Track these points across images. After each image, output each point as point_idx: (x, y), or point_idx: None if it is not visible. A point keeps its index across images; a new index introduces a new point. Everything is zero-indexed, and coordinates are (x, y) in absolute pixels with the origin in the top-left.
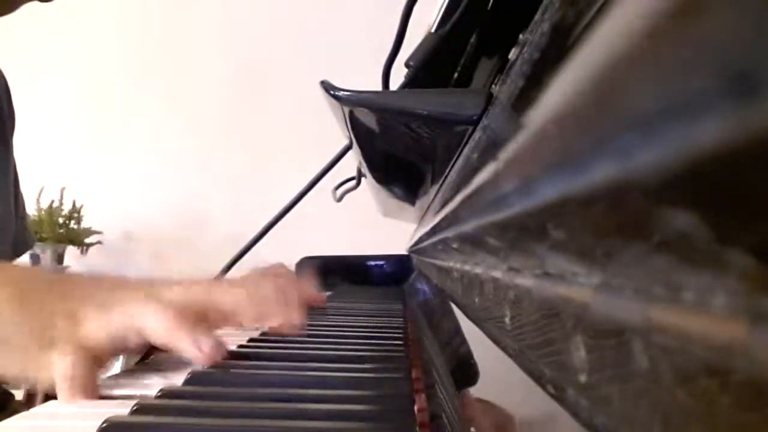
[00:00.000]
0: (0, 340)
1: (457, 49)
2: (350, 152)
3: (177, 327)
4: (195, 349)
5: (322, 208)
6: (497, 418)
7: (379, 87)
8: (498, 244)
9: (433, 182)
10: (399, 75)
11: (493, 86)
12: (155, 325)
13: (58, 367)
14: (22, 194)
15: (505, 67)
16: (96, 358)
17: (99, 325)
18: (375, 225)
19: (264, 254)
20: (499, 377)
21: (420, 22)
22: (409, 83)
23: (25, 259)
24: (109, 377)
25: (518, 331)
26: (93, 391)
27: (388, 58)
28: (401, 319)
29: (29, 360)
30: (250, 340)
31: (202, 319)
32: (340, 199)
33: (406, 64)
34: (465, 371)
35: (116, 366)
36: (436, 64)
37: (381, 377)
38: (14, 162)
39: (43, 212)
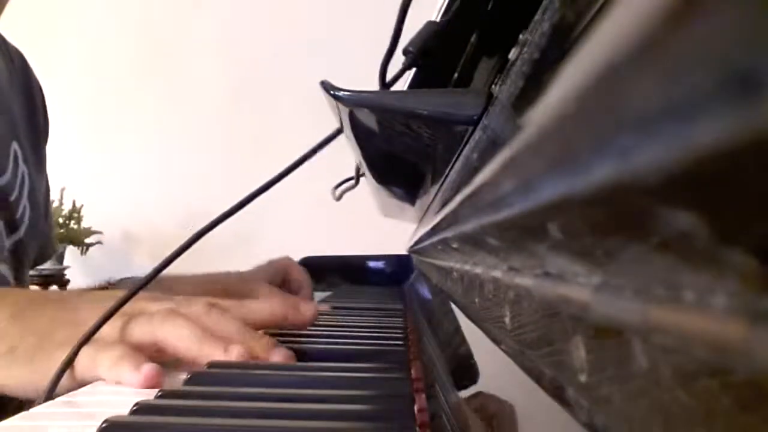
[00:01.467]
0: (7, 349)
1: (458, 39)
2: (349, 152)
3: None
4: (223, 353)
5: (322, 208)
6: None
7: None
8: (498, 244)
9: (433, 182)
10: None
11: (493, 86)
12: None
13: (108, 360)
14: (51, 205)
15: (505, 67)
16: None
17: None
18: (375, 225)
19: (264, 254)
20: (499, 377)
21: (421, 22)
22: (407, 69)
23: None
24: None
25: (518, 331)
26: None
27: (385, 56)
28: (401, 319)
29: (41, 363)
30: None
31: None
32: (339, 199)
33: (404, 51)
34: (465, 371)
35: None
36: (435, 51)
37: (381, 377)
38: (47, 171)
39: None
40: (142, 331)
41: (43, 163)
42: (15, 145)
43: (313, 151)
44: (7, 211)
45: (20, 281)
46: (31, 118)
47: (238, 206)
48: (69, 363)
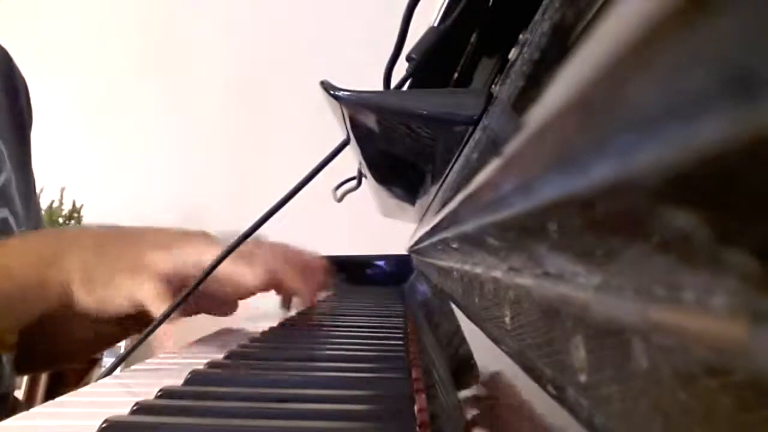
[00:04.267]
0: (88, 278)
1: (458, 41)
2: (350, 152)
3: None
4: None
5: (322, 208)
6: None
7: (379, 87)
8: (498, 244)
9: (433, 182)
10: (400, 76)
11: (493, 86)
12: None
13: (144, 288)
14: (37, 196)
15: (505, 67)
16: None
17: (166, 259)
18: (375, 225)
19: None
20: (499, 377)
21: (421, 23)
22: (411, 76)
23: None
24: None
25: (518, 331)
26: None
27: (390, 60)
28: (401, 319)
29: (111, 289)
30: (251, 340)
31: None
32: (340, 200)
33: (408, 58)
34: (465, 371)
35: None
36: (437, 57)
37: (381, 377)
38: (32, 165)
39: (43, 212)
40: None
41: (29, 158)
42: (0, 144)
43: (328, 160)
44: (12, 205)
45: None
46: (17, 115)
47: (260, 222)
48: (142, 341)
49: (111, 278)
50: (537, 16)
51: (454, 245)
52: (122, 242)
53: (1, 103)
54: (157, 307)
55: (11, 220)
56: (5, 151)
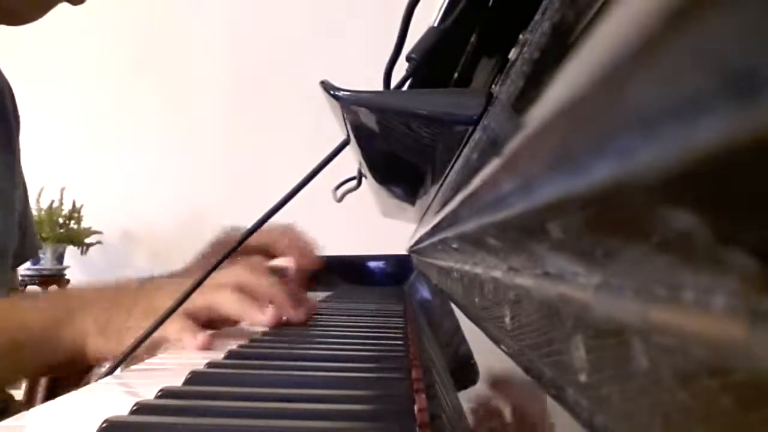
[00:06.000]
0: (102, 331)
1: (458, 41)
2: (350, 152)
3: (247, 302)
4: (263, 316)
5: (322, 208)
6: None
7: (379, 87)
8: (498, 244)
9: (433, 182)
10: (400, 76)
11: (493, 86)
12: (229, 302)
13: (173, 329)
14: (29, 202)
15: (505, 67)
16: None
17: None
18: (375, 225)
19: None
20: (499, 377)
21: (421, 23)
22: (410, 76)
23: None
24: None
25: (518, 331)
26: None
27: (390, 60)
28: (401, 319)
29: (129, 334)
30: (251, 340)
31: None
32: (340, 200)
33: (408, 58)
34: (465, 371)
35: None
36: (438, 57)
37: (381, 377)
38: (21, 169)
39: (43, 212)
40: (199, 302)
41: (17, 163)
42: None
43: (328, 160)
44: None
45: (1, 283)
46: (2, 120)
47: (260, 223)
48: (143, 339)
49: (126, 326)
50: (537, 16)
51: (454, 245)
52: (131, 295)
53: None
54: (184, 339)
55: None
56: None
